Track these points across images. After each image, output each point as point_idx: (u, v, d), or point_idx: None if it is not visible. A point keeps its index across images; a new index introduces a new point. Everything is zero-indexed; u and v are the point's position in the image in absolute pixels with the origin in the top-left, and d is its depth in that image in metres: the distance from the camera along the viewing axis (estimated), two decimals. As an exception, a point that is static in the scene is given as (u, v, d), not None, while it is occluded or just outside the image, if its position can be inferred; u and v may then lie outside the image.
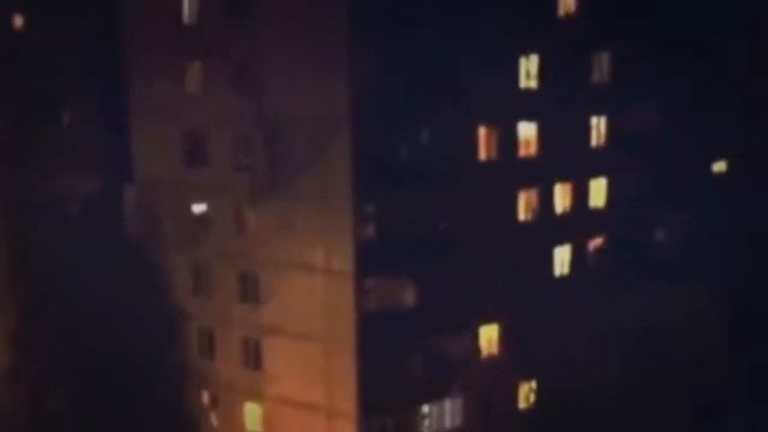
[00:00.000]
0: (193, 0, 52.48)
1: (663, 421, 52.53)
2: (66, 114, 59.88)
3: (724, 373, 54.37)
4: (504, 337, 54.04)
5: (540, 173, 54.70)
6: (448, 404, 52.30)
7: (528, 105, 53.93)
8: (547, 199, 55.51)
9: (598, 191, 57.94)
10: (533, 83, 54.09)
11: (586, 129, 57.16)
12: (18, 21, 58.16)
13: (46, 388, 54.61)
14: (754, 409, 53.85)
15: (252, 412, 52.91)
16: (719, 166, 64.23)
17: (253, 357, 52.40)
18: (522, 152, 54.16)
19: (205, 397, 54.84)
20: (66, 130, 59.60)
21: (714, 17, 60.20)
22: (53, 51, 58.26)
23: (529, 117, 53.93)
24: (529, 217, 54.99)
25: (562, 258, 56.79)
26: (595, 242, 58.09)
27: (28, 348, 54.85)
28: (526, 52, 53.47)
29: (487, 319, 53.33)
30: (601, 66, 57.07)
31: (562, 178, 56.04)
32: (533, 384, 56.17)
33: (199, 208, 54.07)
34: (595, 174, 57.66)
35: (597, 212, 57.97)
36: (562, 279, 56.80)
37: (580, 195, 57.04)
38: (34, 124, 57.77)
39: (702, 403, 53.35)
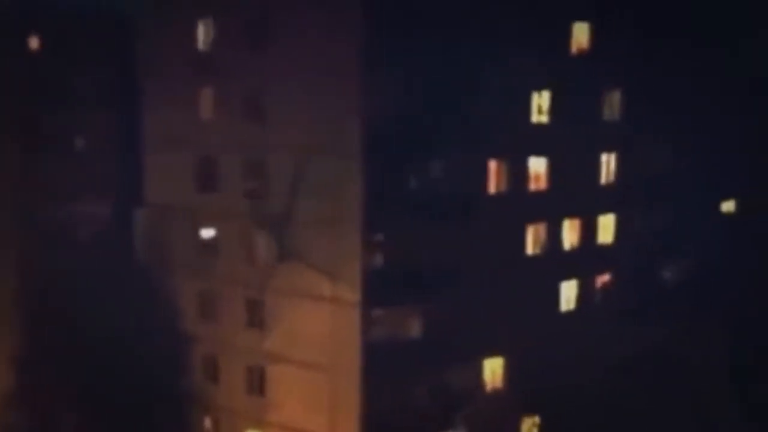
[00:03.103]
0: (208, 27, 52.91)
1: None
2: (79, 139, 60.27)
3: (731, 413, 54.17)
4: (508, 371, 53.98)
5: (549, 208, 54.81)
6: (451, 437, 52.25)
7: (539, 140, 54.10)
8: (555, 233, 55.56)
9: (606, 228, 58.01)
10: (545, 119, 54.29)
11: (596, 165, 57.29)
12: (34, 43, 58.60)
13: (52, 411, 54.64)
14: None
15: (255, 439, 52.97)
16: (728, 206, 64.28)
17: (257, 384, 52.38)
18: (532, 187, 54.32)
19: (208, 422, 54.78)
20: (79, 155, 59.97)
21: (724, 57, 60.48)
22: (68, 75, 58.75)
23: (539, 152, 54.07)
24: (537, 251, 55.03)
25: (568, 293, 56.79)
26: (603, 278, 58.09)
27: (35, 371, 54.97)
28: (539, 87, 53.70)
29: (492, 352, 53.29)
30: (612, 103, 57.29)
31: (571, 214, 56.12)
32: (537, 419, 56.02)
33: (208, 233, 54.23)
34: (604, 210, 57.75)
35: (605, 248, 58.01)
36: (569, 314, 56.77)
37: (589, 231, 57.10)
38: (47, 148, 58.15)
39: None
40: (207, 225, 53.97)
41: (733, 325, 55.80)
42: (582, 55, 55.65)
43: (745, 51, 61.39)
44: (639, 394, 53.02)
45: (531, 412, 55.62)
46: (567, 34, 54.97)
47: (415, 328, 50.11)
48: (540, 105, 54.03)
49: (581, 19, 55.09)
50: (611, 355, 53.98)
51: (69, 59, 58.75)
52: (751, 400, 54.42)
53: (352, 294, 48.37)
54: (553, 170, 54.61)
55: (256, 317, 52.17)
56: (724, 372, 54.71)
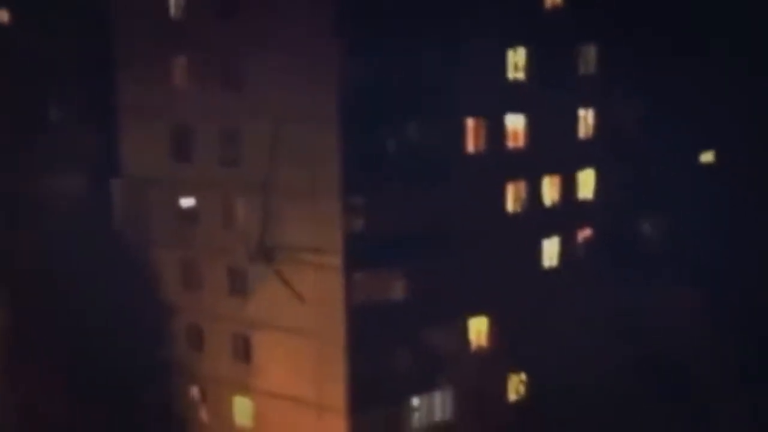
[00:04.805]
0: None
1: (652, 411, 52.64)
2: (54, 110, 59.83)
3: (710, 365, 54.49)
4: (493, 330, 54.12)
5: (528, 165, 54.77)
6: (437, 397, 52.34)
7: (516, 97, 53.97)
8: (535, 191, 55.57)
9: (586, 183, 58.04)
10: (521, 76, 54.13)
11: (574, 121, 57.24)
12: (4, 16, 58.03)
13: (38, 387, 54.52)
14: (743, 400, 53.98)
15: (242, 406, 52.91)
16: (707, 157, 64.35)
17: (243, 351, 52.37)
18: (510, 144, 54.25)
19: (194, 391, 54.83)
20: (54, 127, 59.54)
21: (702, 9, 60.31)
22: (40, 47, 58.23)
23: (516, 109, 53.98)
24: (518, 209, 55.03)
25: (550, 250, 56.87)
26: (584, 233, 58.19)
27: (18, 347, 54.78)
28: (513, 44, 53.50)
29: (476, 312, 53.40)
30: (588, 58, 57.16)
31: (551, 170, 56.10)
32: (523, 376, 56.25)
33: (187, 202, 54.03)
34: (583, 166, 57.76)
35: (585, 204, 58.08)
36: (551, 271, 56.89)
37: (569, 187, 57.12)
38: (21, 121, 57.72)
39: (689, 393, 53.52)
40: (185, 194, 53.72)
41: (712, 279, 56.10)
42: (556, 9, 55.45)
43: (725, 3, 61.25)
44: (621, 350, 53.36)
45: (517, 369, 55.82)
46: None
47: (398, 291, 50.12)
48: (516, 62, 53.86)
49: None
50: (593, 311, 54.27)
51: (41, 31, 58.19)
52: (733, 352, 54.86)
53: (334, 258, 48.27)
54: (530, 127, 54.55)
55: (239, 285, 52.06)
56: (703, 325, 55.11)
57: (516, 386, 56.20)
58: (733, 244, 58.45)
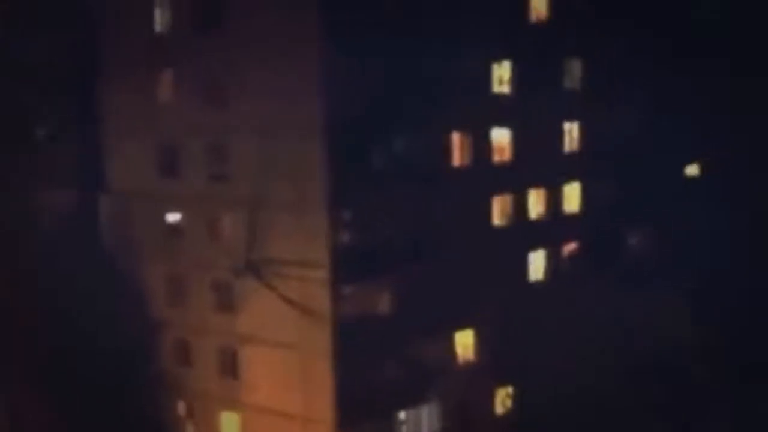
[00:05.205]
0: (164, 9, 52.53)
1: (640, 423, 52.67)
2: (42, 127, 59.73)
3: (699, 376, 54.58)
4: (479, 343, 54.15)
5: (514, 179, 54.92)
6: (425, 410, 52.32)
7: (501, 111, 54.16)
8: (521, 204, 55.70)
9: (571, 196, 58.21)
10: (506, 89, 54.32)
11: (560, 134, 57.45)
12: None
13: (22, 401, 54.37)
14: (733, 409, 54.08)
15: (229, 421, 52.81)
16: (692, 170, 64.61)
17: (230, 366, 52.29)
18: (496, 158, 54.39)
19: (181, 407, 54.72)
20: (40, 143, 59.45)
21: (686, 21, 60.62)
22: (28, 63, 58.16)
23: (502, 123, 54.15)
24: (504, 222, 55.15)
25: (536, 263, 56.99)
26: (569, 247, 58.32)
27: (3, 362, 54.65)
28: (499, 58, 53.72)
29: (463, 325, 53.45)
30: (573, 72, 57.42)
31: (536, 184, 56.25)
32: (510, 389, 56.26)
33: (173, 218, 54.02)
34: (569, 179, 57.95)
35: (571, 217, 58.23)
36: (537, 284, 57.00)
37: (554, 200, 57.28)
38: (7, 137, 57.63)
39: (678, 405, 53.56)
40: (172, 209, 53.73)
41: (697, 294, 56.22)
42: (541, 23, 55.71)
43: (702, 13, 61.53)
44: (609, 362, 53.42)
45: (504, 382, 55.84)
46: (525, 3, 54.98)
47: (385, 304, 50.14)
48: (501, 75, 54.06)
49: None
50: (580, 324, 54.34)
51: (28, 46, 58.14)
52: (720, 362, 54.98)
53: (321, 272, 48.27)
54: (516, 141, 54.73)
55: (226, 299, 52.02)
56: (691, 335, 55.21)
57: (503, 399, 56.21)
58: (723, 255, 58.61)
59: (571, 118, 57.67)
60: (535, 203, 56.63)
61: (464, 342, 53.91)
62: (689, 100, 61.51)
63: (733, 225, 59.96)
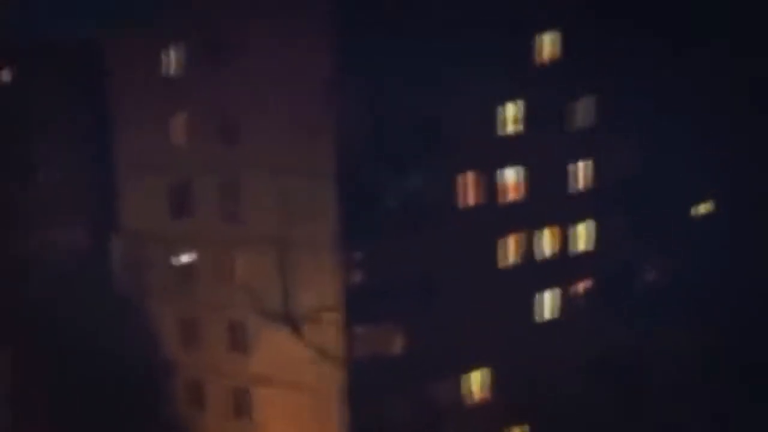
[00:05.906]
0: (175, 51, 52.76)
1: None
2: (54, 168, 60.04)
3: (710, 411, 54.37)
4: (493, 382, 53.93)
5: (526, 218, 54.78)
6: (438, 451, 52.14)
7: (513, 151, 54.08)
8: (533, 243, 55.54)
9: (584, 235, 58.02)
10: (518, 128, 54.30)
11: (572, 173, 57.32)
12: (5, 75, 58.41)
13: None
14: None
15: (242, 462, 52.76)
16: (706, 207, 64.38)
17: (243, 407, 52.14)
18: (508, 197, 54.29)
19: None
20: (54, 184, 59.74)
21: (697, 57, 60.61)
22: (40, 104, 58.56)
23: (514, 162, 54.07)
24: (517, 261, 55.01)
25: (550, 301, 56.79)
26: (582, 287, 58.08)
27: (17, 405, 54.66)
28: (510, 97, 53.71)
29: (476, 364, 53.24)
30: (585, 110, 57.32)
31: (548, 223, 56.11)
32: (525, 429, 55.96)
33: (186, 258, 54.04)
34: (582, 217, 57.77)
35: (583, 256, 58.01)
36: (551, 322, 56.76)
37: (567, 238, 57.10)
38: (20, 178, 57.93)
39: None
40: (185, 250, 53.76)
41: (710, 331, 55.96)
42: (553, 63, 55.68)
43: (718, 51, 61.44)
44: (622, 399, 53.21)
45: (519, 421, 55.54)
46: (537, 43, 55.00)
47: (396, 344, 50.06)
48: (513, 115, 54.04)
49: (551, 27, 55.06)
50: (593, 362, 54.14)
51: (40, 87, 58.57)
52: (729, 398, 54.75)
53: (333, 313, 48.18)
54: (528, 180, 54.60)
55: (239, 340, 51.95)
56: (703, 371, 55.02)
57: (517, 438, 56.02)
58: (735, 290, 58.34)
59: (583, 157, 57.49)
60: (548, 242, 56.45)
61: (477, 381, 53.69)
62: (705, 136, 61.35)
63: (746, 261, 59.70)
